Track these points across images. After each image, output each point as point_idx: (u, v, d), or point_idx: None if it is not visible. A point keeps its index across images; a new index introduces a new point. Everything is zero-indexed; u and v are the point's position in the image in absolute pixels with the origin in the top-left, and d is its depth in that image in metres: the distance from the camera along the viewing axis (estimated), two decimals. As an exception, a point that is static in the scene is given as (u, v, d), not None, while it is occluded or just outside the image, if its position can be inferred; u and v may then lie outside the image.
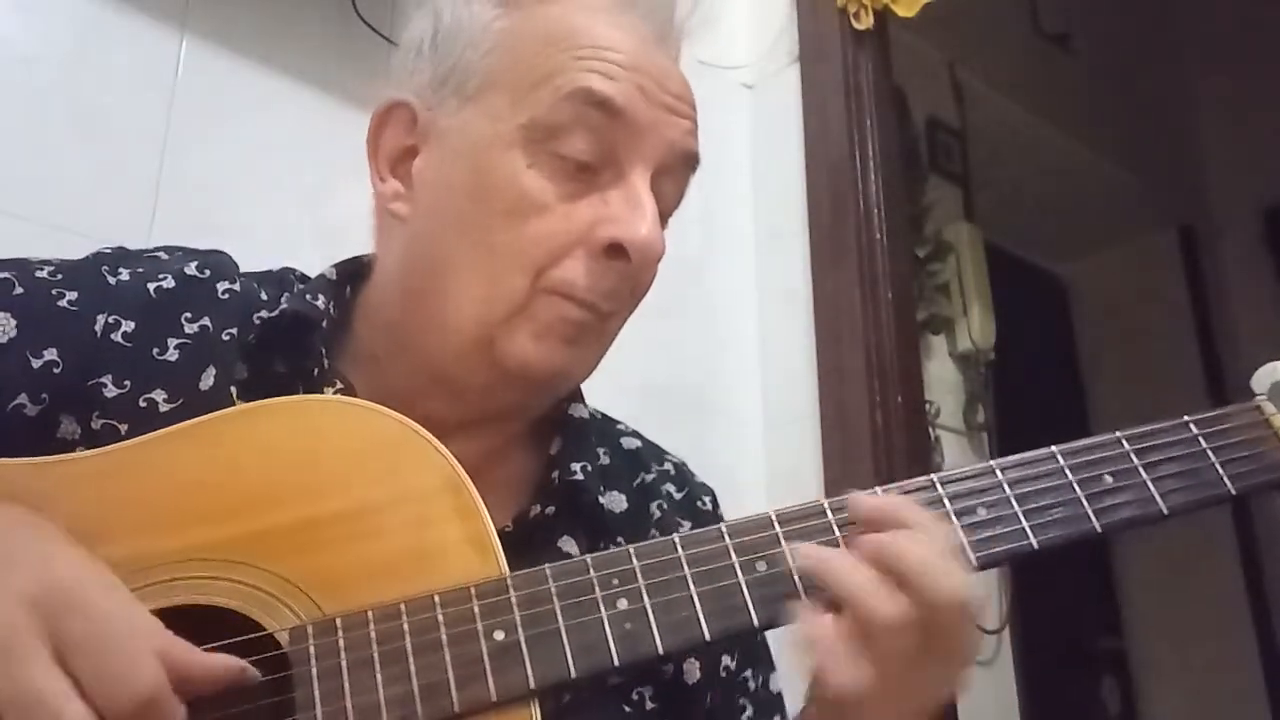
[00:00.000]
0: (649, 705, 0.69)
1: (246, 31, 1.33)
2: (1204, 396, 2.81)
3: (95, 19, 1.22)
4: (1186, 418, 0.63)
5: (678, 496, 0.80)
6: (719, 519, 0.82)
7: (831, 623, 0.54)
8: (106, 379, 0.63)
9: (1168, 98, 3.25)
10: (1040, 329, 3.03)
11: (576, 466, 0.71)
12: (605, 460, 0.77)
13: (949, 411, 2.18)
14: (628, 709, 0.68)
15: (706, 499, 0.82)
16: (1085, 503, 0.60)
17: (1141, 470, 0.61)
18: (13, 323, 0.62)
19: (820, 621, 0.54)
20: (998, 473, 0.60)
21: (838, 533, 0.57)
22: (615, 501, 0.74)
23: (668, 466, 0.82)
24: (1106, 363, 3.15)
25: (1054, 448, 0.62)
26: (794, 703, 0.79)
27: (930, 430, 2.00)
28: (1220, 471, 0.62)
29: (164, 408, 0.63)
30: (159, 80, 1.25)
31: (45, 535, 0.50)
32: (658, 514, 0.77)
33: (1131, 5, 3.05)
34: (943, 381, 2.20)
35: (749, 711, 0.76)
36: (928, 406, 1.94)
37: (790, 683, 0.80)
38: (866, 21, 1.75)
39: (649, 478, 0.79)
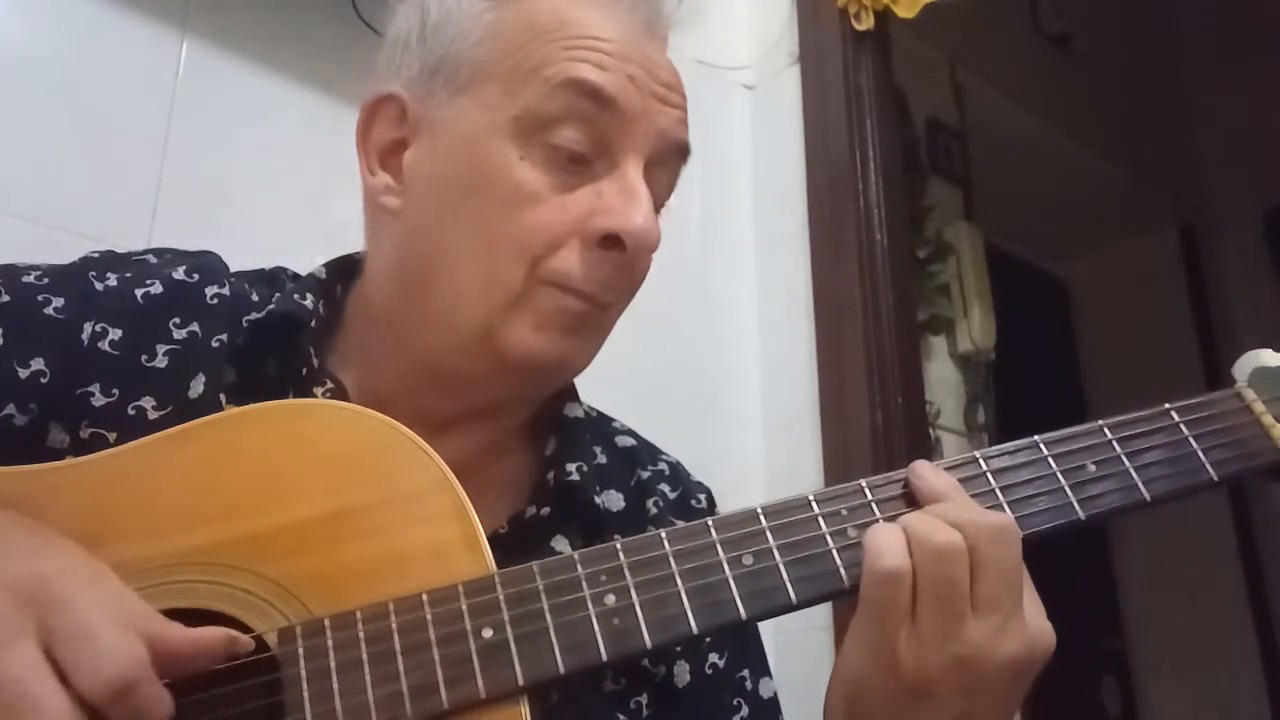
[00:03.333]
0: (645, 713, 0.69)
1: (247, 33, 1.33)
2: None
3: (96, 20, 1.22)
4: (1168, 405, 0.63)
5: (672, 496, 0.80)
6: (711, 515, 0.82)
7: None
8: (94, 388, 0.62)
9: (1168, 98, 3.25)
10: (1040, 329, 3.03)
11: (572, 467, 0.71)
12: (602, 460, 0.77)
13: (949, 412, 2.18)
14: (623, 717, 0.68)
15: (701, 496, 0.82)
16: (1069, 492, 0.60)
17: (1125, 458, 0.61)
18: None
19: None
20: (981, 463, 0.60)
21: (823, 526, 0.57)
22: (612, 500, 0.74)
23: (662, 466, 0.82)
24: (1106, 363, 3.15)
25: (1037, 437, 0.62)
26: (789, 706, 0.79)
27: (930, 431, 2.00)
28: (1202, 458, 0.62)
29: (153, 415, 0.63)
30: (160, 81, 1.25)
31: (38, 533, 0.51)
32: (654, 510, 0.77)
33: (1131, 6, 3.05)
34: (943, 382, 2.20)
35: (744, 711, 0.75)
36: (928, 407, 1.94)
37: (784, 687, 0.80)
38: (867, 22, 1.75)
39: (644, 475, 0.79)
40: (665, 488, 0.80)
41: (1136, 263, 3.17)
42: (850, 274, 1.66)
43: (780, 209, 1.81)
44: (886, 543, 0.55)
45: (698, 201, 1.77)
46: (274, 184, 1.31)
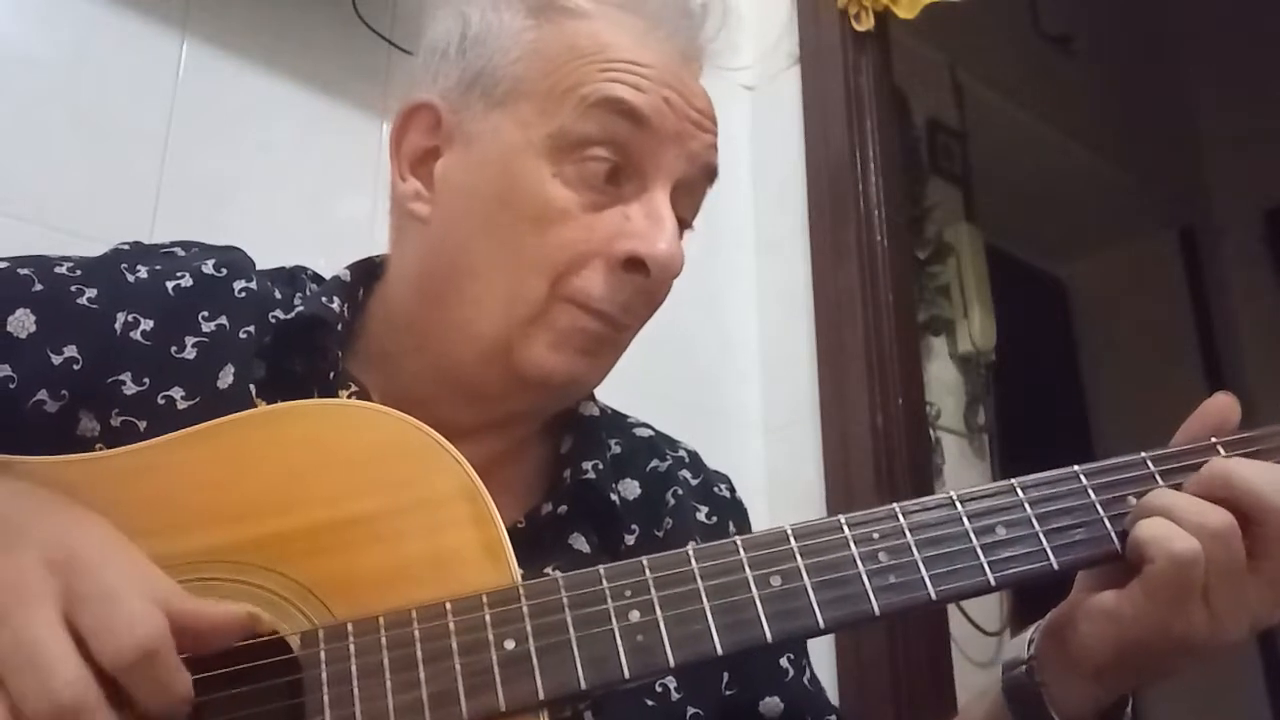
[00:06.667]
0: (674, 696, 0.69)
1: (247, 33, 1.33)
2: (1204, 397, 2.80)
3: (96, 21, 1.22)
4: (1214, 439, 0.61)
5: (694, 482, 0.81)
6: (737, 504, 0.83)
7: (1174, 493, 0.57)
8: (125, 376, 0.63)
9: (1168, 98, 3.25)
10: (1040, 330, 3.04)
11: (588, 465, 0.72)
12: (616, 449, 0.78)
13: (949, 413, 2.18)
14: (651, 702, 0.69)
15: (723, 486, 0.83)
16: (1108, 524, 0.58)
17: None
18: (32, 319, 0.62)
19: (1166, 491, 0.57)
20: (1018, 491, 0.59)
21: (854, 549, 0.56)
22: (628, 489, 0.75)
23: (682, 454, 0.83)
24: (1106, 363, 3.15)
25: (1076, 467, 0.60)
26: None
27: (931, 432, 2.00)
28: None
29: (182, 405, 0.64)
30: (160, 82, 1.25)
31: (68, 503, 0.51)
32: (672, 501, 0.77)
33: (1131, 6, 3.05)
34: (943, 383, 2.20)
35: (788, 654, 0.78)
36: (928, 408, 1.94)
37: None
38: (867, 23, 1.75)
39: (662, 465, 0.80)
40: (686, 474, 0.81)
41: (1136, 263, 3.17)
42: (850, 274, 1.66)
43: (780, 209, 1.81)
44: (1167, 528, 0.55)
45: (698, 202, 1.76)
46: (274, 184, 1.31)
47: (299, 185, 1.33)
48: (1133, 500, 0.59)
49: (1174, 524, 0.55)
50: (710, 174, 0.72)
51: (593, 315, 0.67)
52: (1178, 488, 0.59)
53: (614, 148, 0.67)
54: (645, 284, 0.68)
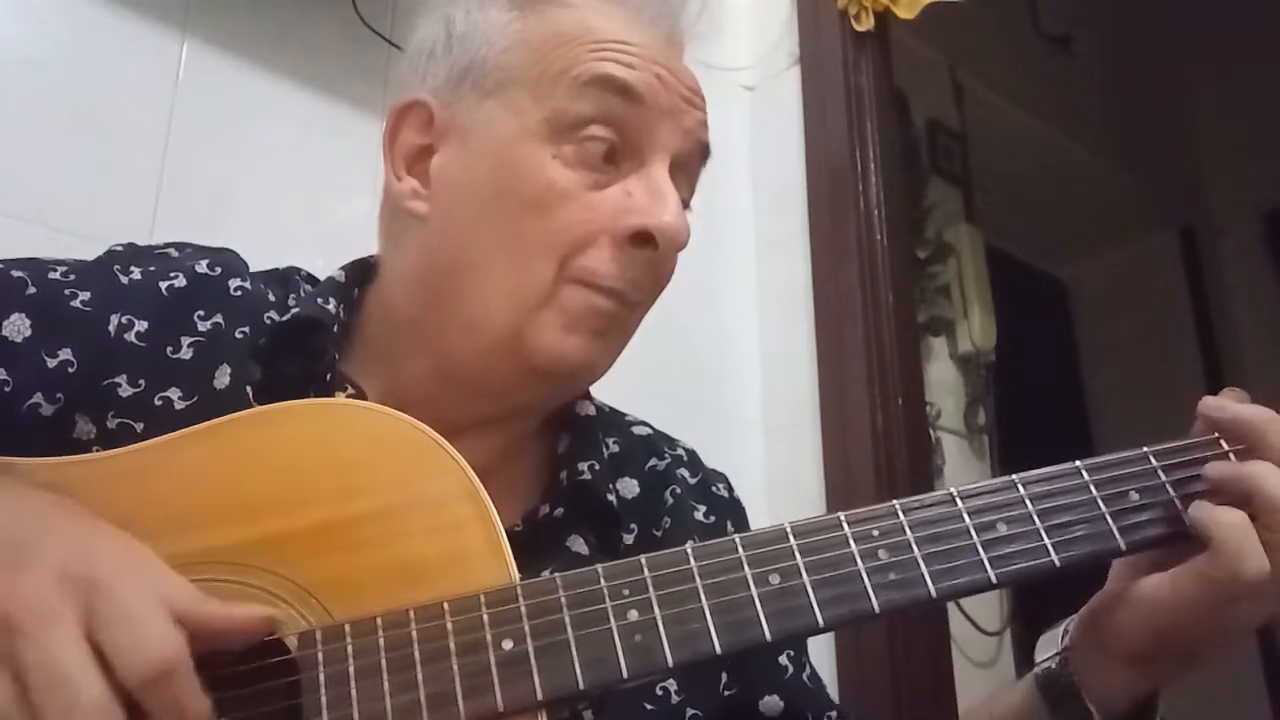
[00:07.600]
0: (674, 699, 0.69)
1: (248, 34, 1.32)
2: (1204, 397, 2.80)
3: (96, 22, 1.22)
4: (1218, 434, 0.61)
5: (692, 481, 0.81)
6: (735, 504, 0.83)
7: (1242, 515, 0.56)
8: (121, 379, 0.63)
9: (1168, 98, 3.25)
10: (1040, 330, 3.03)
11: (584, 466, 0.72)
12: (614, 448, 0.78)
13: (949, 413, 2.18)
14: (650, 705, 0.68)
15: (721, 485, 0.83)
16: (1110, 520, 0.58)
17: (1169, 488, 0.59)
18: (27, 323, 0.62)
19: (1231, 509, 0.56)
20: (1019, 487, 0.58)
21: (854, 546, 0.56)
22: (627, 487, 0.75)
23: (680, 453, 0.83)
24: (1107, 364, 3.15)
25: (1078, 462, 0.60)
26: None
27: (931, 432, 2.00)
28: None
29: (179, 405, 0.64)
30: (160, 83, 1.25)
31: (79, 515, 0.51)
32: (670, 500, 0.77)
33: (1132, 6, 3.05)
34: (943, 383, 2.20)
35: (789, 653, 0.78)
36: (928, 408, 1.94)
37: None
38: (867, 23, 1.75)
39: (661, 464, 0.80)
40: (685, 473, 0.81)
41: (1136, 263, 3.17)
42: (850, 274, 1.66)
43: (780, 209, 1.81)
44: (1250, 540, 0.55)
45: (698, 201, 1.76)
46: (274, 184, 1.31)
47: (299, 185, 1.33)
48: (1135, 495, 0.59)
49: (1256, 539, 0.55)
50: (704, 151, 0.73)
51: (604, 294, 0.67)
52: (1187, 480, 0.59)
53: (610, 126, 0.67)
54: (653, 258, 0.68)
